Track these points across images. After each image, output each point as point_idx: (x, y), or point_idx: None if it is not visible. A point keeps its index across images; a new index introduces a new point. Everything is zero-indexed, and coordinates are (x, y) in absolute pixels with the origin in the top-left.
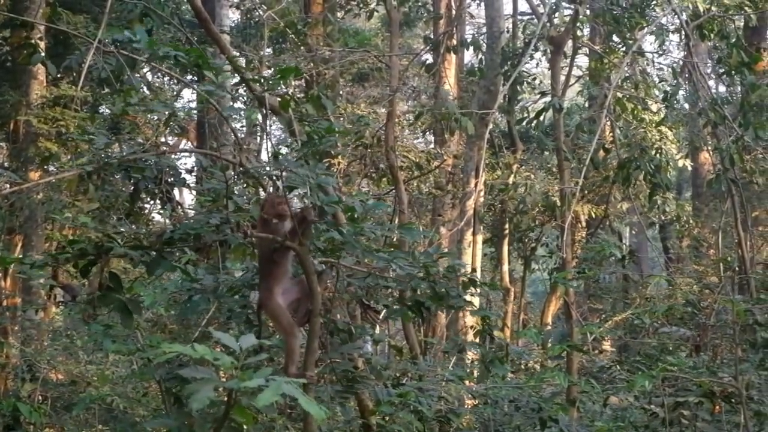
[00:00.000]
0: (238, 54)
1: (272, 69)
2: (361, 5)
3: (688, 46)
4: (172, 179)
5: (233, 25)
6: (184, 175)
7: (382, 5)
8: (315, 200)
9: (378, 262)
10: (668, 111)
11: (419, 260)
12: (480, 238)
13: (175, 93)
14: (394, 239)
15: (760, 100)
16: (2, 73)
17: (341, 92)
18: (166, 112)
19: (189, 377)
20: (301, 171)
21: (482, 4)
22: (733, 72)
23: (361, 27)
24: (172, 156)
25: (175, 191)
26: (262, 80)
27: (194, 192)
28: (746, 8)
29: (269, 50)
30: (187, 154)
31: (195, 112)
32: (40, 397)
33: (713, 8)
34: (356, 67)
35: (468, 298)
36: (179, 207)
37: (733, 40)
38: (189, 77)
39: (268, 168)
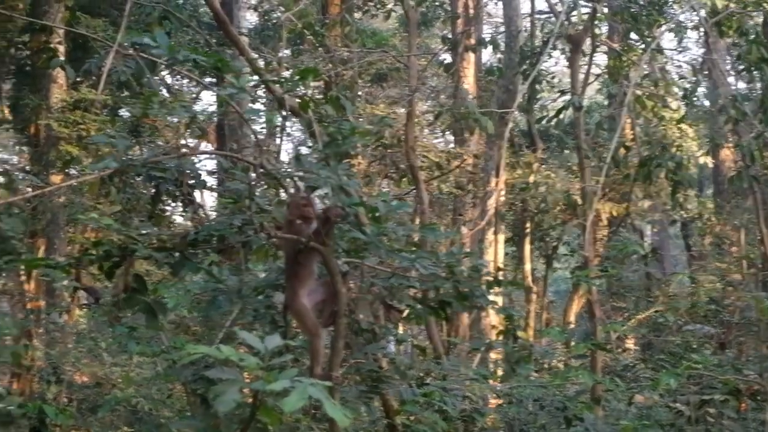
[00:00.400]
0: (256, 56)
1: (291, 70)
2: (379, 6)
3: (707, 42)
4: (192, 181)
5: (251, 27)
6: (204, 177)
7: (400, 5)
8: (337, 202)
9: (401, 262)
10: (688, 108)
11: (442, 260)
12: (501, 237)
13: (194, 95)
14: (416, 239)
15: None
16: (22, 77)
17: (360, 93)
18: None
19: (215, 379)
20: (322, 172)
21: (500, 3)
22: (752, 68)
23: (378, 27)
24: (193, 158)
25: (196, 193)
26: (282, 82)
27: (215, 194)
28: (765, 4)
29: (287, 52)
30: (207, 156)
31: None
32: (65, 399)
33: (732, 5)
34: (375, 67)
35: (491, 297)
36: (200, 209)
37: (753, 36)
38: (208, 79)
39: (289, 169)
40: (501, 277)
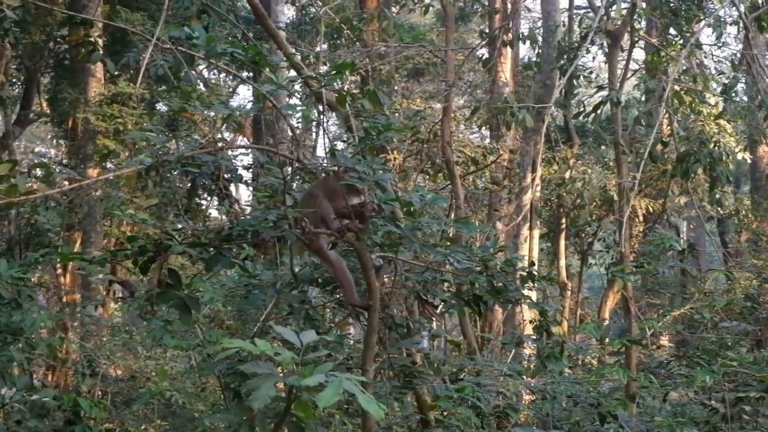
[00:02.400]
0: (294, 50)
1: (328, 65)
2: (417, 0)
3: (746, 38)
4: (228, 176)
5: (289, 21)
6: (241, 171)
7: (438, 0)
8: (373, 197)
9: (435, 256)
10: (727, 104)
11: (477, 254)
12: (537, 232)
13: (231, 89)
14: (451, 234)
15: None
16: (61, 71)
17: (397, 87)
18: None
19: (249, 373)
20: (358, 167)
21: None
22: None
23: (416, 22)
24: (229, 152)
25: (232, 187)
26: (320, 77)
27: (251, 188)
28: None
29: (325, 46)
30: (244, 150)
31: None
32: (99, 392)
33: None
34: (412, 62)
35: (526, 292)
36: (236, 203)
37: None
38: (245, 74)
39: (325, 164)
40: (535, 272)
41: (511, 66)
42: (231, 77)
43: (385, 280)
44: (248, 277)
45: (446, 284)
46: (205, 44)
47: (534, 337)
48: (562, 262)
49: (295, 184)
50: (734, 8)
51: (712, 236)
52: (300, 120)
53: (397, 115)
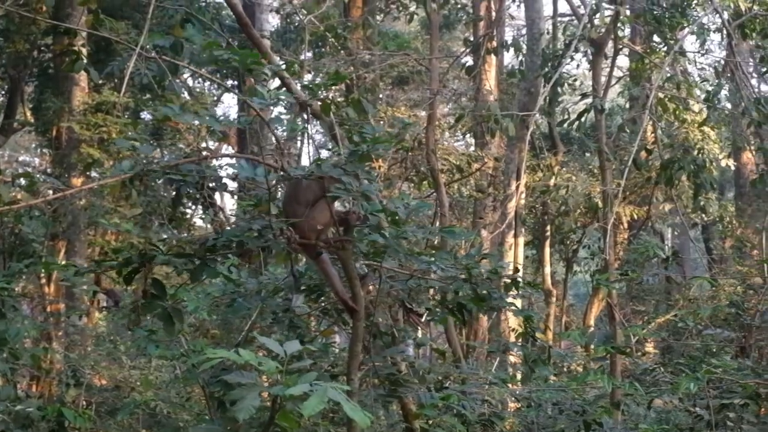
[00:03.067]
0: (278, 58)
1: (312, 73)
2: (401, 8)
3: (730, 45)
4: (213, 184)
5: (273, 29)
6: (225, 180)
7: (422, 8)
8: (358, 208)
9: (420, 264)
10: (710, 111)
11: (461, 262)
12: (521, 240)
13: (216, 98)
14: (436, 242)
15: None
16: (45, 80)
17: (381, 95)
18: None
19: (233, 383)
20: (344, 178)
21: (522, 5)
22: None
23: (400, 30)
24: (214, 161)
25: (217, 196)
26: (308, 88)
27: (236, 197)
28: None
29: (309, 54)
30: (228, 159)
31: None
32: (84, 402)
33: (755, 7)
34: (396, 70)
35: (510, 300)
36: (221, 212)
37: None
38: (230, 82)
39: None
40: (519, 279)
41: (496, 74)
42: (215, 86)
43: (370, 288)
44: (233, 285)
45: (431, 292)
46: (204, 48)
47: (519, 345)
48: (547, 270)
49: (279, 194)
50: (717, 16)
51: (696, 243)
52: (285, 129)
53: (382, 123)
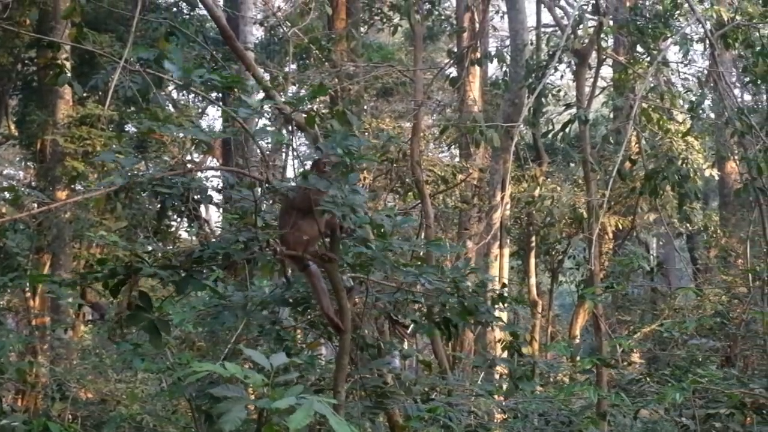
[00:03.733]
0: (263, 71)
1: (297, 85)
2: (385, 20)
3: (713, 55)
4: (198, 197)
5: (257, 41)
6: (211, 192)
7: (406, 20)
8: (346, 221)
9: (406, 277)
10: (694, 121)
11: (448, 275)
12: (507, 251)
13: (200, 110)
14: (421, 253)
15: None
16: (29, 93)
17: (366, 107)
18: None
19: (219, 396)
20: (330, 191)
21: (506, 16)
22: (758, 81)
23: (384, 42)
24: (199, 173)
25: (202, 208)
26: (292, 103)
27: (221, 209)
28: None
29: (294, 66)
30: (213, 171)
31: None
32: (70, 416)
33: (738, 17)
34: (381, 81)
35: (497, 313)
36: (206, 224)
37: (759, 48)
38: (214, 94)
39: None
40: (506, 293)
41: (480, 85)
42: (200, 98)
43: (357, 300)
44: (219, 298)
45: (417, 305)
46: (182, 74)
47: (505, 359)
48: (533, 280)
49: (264, 206)
50: (700, 26)
51: (681, 252)
52: (269, 141)
53: (366, 134)
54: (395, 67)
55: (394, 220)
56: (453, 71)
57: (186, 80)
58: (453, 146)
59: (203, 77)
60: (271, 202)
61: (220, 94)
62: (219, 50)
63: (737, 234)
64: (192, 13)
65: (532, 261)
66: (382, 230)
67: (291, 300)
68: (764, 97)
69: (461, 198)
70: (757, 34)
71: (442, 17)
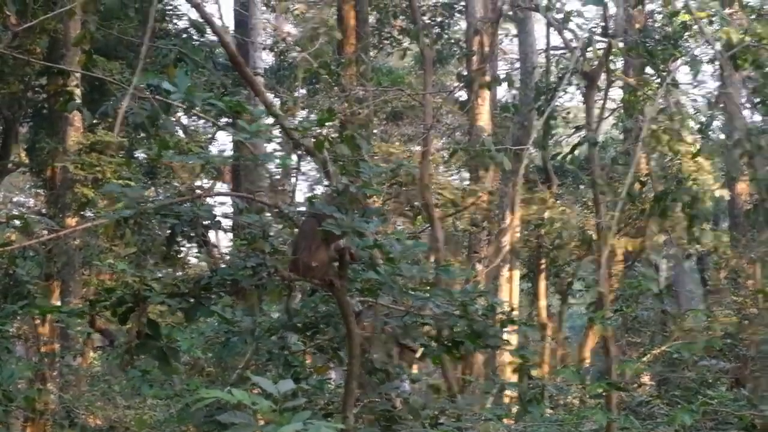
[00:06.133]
0: (272, 95)
1: (306, 110)
2: (394, 44)
3: (722, 76)
4: (207, 222)
5: (267, 67)
6: (220, 218)
7: (415, 44)
8: (352, 246)
9: (415, 301)
10: (704, 142)
11: (457, 298)
12: (517, 273)
13: (210, 135)
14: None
15: None
16: (39, 120)
17: (375, 131)
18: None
19: (227, 422)
20: (337, 215)
21: (515, 39)
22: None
23: (394, 66)
24: (208, 199)
25: (211, 234)
26: (299, 129)
27: (231, 234)
28: None
29: (303, 91)
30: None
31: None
32: None
33: (747, 38)
34: (390, 105)
35: (506, 336)
36: (215, 249)
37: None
38: (224, 120)
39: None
40: (515, 317)
41: (489, 108)
42: (210, 124)
43: (365, 324)
44: (227, 324)
45: (426, 328)
46: (186, 96)
47: (514, 383)
48: (542, 302)
49: (273, 231)
50: (710, 47)
51: (691, 274)
52: (278, 166)
53: (376, 158)
54: (405, 91)
55: (403, 245)
56: (462, 95)
57: (188, 102)
58: (462, 169)
59: (205, 100)
60: (280, 227)
61: (230, 119)
62: (229, 75)
63: (747, 255)
64: (202, 39)
65: (542, 283)
66: (390, 255)
67: (300, 325)
68: None
69: (471, 221)
70: (767, 54)
71: (452, 41)
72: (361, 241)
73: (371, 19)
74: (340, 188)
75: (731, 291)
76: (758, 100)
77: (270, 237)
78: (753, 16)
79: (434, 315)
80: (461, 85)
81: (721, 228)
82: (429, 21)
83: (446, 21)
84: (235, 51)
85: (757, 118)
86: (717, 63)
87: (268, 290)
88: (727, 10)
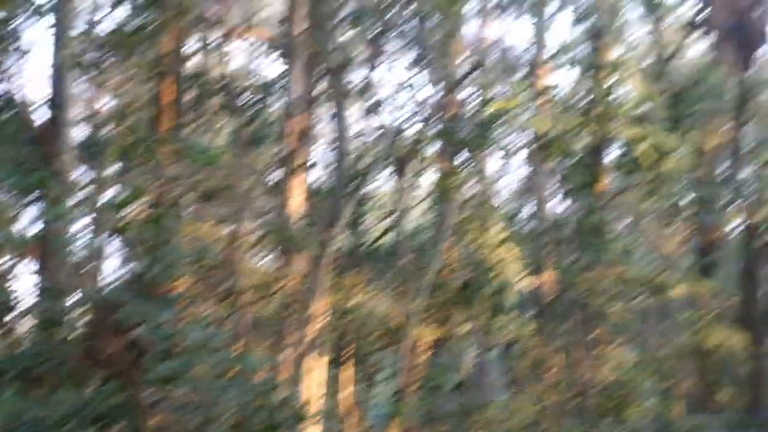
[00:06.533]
0: (83, 170)
1: (119, 186)
2: (211, 122)
3: (532, 166)
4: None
5: (80, 141)
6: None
7: (231, 123)
8: (148, 333)
9: (214, 391)
10: (511, 231)
11: (256, 388)
12: (324, 360)
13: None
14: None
15: (596, 224)
16: None
17: (187, 210)
18: None
19: None
20: (133, 303)
21: (332, 122)
22: (574, 191)
23: (211, 143)
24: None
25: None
26: (105, 208)
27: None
28: (585, 128)
29: (117, 166)
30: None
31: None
32: None
33: (554, 131)
34: (204, 185)
35: (311, 428)
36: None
37: (576, 159)
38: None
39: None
40: (308, 411)
41: (304, 190)
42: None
43: (160, 417)
44: (16, 414)
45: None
46: None
47: None
48: (349, 390)
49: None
50: (519, 138)
51: (497, 362)
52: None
53: (186, 239)
54: (217, 172)
55: (203, 333)
56: (276, 176)
57: None
58: (272, 253)
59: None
60: (79, 311)
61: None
62: (38, 151)
63: (552, 343)
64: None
65: (350, 370)
66: (188, 344)
67: (92, 416)
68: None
69: (280, 305)
70: (575, 145)
71: (268, 122)
72: (158, 331)
73: (189, 96)
74: (139, 273)
75: (533, 381)
76: (567, 188)
77: (66, 322)
78: (560, 109)
79: (230, 407)
80: (275, 167)
81: (525, 317)
82: (247, 99)
83: (264, 100)
84: (43, 128)
85: (566, 206)
86: (526, 152)
87: (62, 378)
88: (538, 101)
